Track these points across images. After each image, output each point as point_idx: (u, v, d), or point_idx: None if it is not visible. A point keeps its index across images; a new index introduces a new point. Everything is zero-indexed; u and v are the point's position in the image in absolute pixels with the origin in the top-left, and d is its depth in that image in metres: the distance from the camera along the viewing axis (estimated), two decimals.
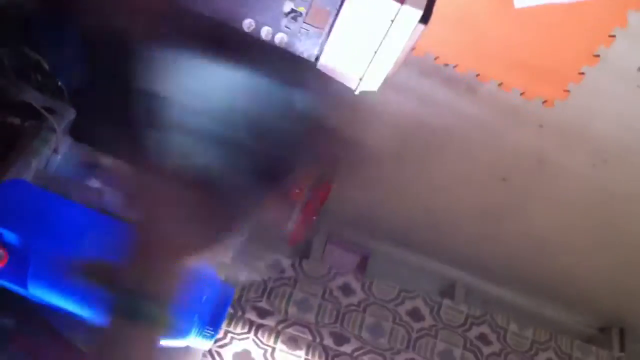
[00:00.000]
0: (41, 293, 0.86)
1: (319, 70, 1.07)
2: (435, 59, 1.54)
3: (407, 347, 2.03)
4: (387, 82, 1.09)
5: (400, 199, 2.21)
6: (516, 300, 2.42)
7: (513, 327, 2.14)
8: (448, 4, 1.21)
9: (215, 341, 1.01)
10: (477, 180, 2.03)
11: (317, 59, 1.05)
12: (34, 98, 1.06)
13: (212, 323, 0.93)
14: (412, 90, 1.72)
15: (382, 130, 1.90)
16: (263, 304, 1.99)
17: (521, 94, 1.58)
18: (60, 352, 0.99)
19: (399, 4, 0.95)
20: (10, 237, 0.84)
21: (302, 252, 2.36)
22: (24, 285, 0.86)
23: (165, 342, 0.93)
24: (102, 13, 1.21)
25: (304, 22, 1.01)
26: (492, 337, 2.11)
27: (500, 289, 2.43)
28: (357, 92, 1.08)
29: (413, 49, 1.18)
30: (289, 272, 2.11)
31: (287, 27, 1.02)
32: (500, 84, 1.57)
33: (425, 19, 1.00)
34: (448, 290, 2.43)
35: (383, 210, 2.29)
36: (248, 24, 1.02)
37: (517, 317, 2.19)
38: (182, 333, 0.91)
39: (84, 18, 1.20)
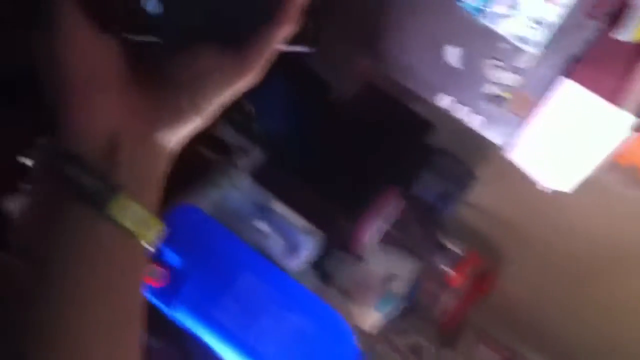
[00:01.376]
0: (188, 321, 0.88)
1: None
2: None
3: None
4: (584, 185, 1.01)
5: (565, 313, 2.05)
6: None
7: None
8: None
9: None
10: None
11: (510, 147, 1.00)
12: (229, 135, 1.10)
13: None
14: (608, 200, 1.60)
15: (564, 235, 1.78)
16: None
17: None
18: None
19: (612, 106, 0.88)
20: (173, 257, 0.87)
21: (449, 341, 2.24)
22: (174, 307, 0.88)
23: None
24: (320, 74, 1.25)
25: (505, 108, 0.97)
26: None
27: None
28: (548, 190, 1.01)
29: (620, 156, 1.09)
30: (428, 357, 2.01)
31: (485, 110, 0.98)
32: None
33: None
34: None
35: (544, 320, 2.13)
36: (445, 100, 1.00)
37: None
38: None
39: (298, 74, 1.25)
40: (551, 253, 1.88)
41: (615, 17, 0.87)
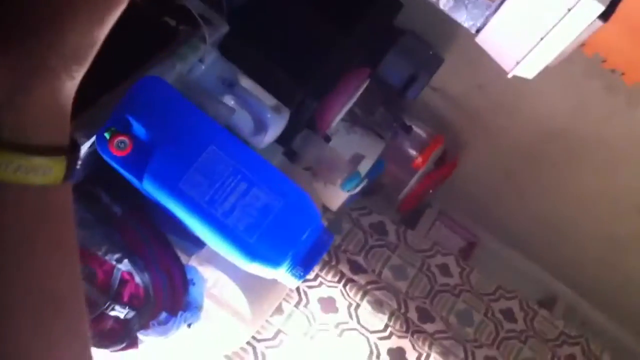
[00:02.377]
0: (154, 191, 0.89)
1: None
2: (603, 61, 1.43)
3: (492, 344, 1.98)
4: (545, 73, 1.03)
5: (524, 199, 2.12)
6: (618, 335, 2.28)
7: (606, 358, 2.03)
8: (635, 8, 1.11)
9: (305, 280, 1.01)
10: (611, 202, 1.90)
11: (478, 31, 1.00)
12: (193, 5, 1.08)
13: (304, 264, 0.93)
14: (569, 88, 1.62)
15: (525, 122, 1.81)
16: (359, 260, 1.99)
17: None
18: (158, 251, 1.03)
19: None
20: (139, 129, 0.87)
21: (410, 221, 2.32)
22: (140, 177, 0.89)
23: (254, 270, 0.94)
24: None
25: None
26: None
27: (605, 319, 2.30)
28: (510, 75, 1.02)
29: (582, 45, 1.10)
30: (392, 237, 2.09)
31: None
32: None
33: (606, 15, 0.92)
34: (547, 303, 2.33)
35: (504, 204, 2.21)
36: None
37: (614, 351, 2.07)
38: (273, 263, 0.92)
39: None
40: (511, 140, 1.93)
41: None
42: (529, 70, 1.01)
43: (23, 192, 0.41)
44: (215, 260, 1.23)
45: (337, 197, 1.69)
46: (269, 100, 1.19)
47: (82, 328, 0.47)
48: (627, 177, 1.80)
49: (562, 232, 2.14)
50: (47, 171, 0.42)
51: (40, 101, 0.41)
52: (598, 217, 1.98)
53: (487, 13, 0.98)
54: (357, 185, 1.53)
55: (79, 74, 0.43)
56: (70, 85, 0.42)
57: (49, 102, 0.42)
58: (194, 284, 1.12)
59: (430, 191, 2.13)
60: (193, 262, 1.16)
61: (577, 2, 0.89)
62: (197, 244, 1.09)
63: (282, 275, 0.94)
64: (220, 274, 1.25)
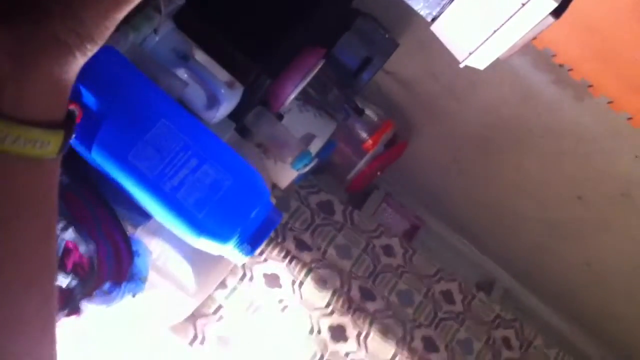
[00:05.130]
0: (102, 162, 0.88)
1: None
2: (553, 56, 1.47)
3: (430, 324, 2.03)
4: (497, 64, 1.05)
5: (470, 185, 2.17)
6: (551, 320, 2.37)
7: (539, 341, 2.11)
8: (585, 8, 1.14)
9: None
10: (553, 189, 1.97)
11: (433, 19, 1.01)
12: None
13: (252, 241, 0.94)
14: (518, 80, 1.66)
15: (475, 110, 1.85)
16: (305, 238, 2.01)
17: (628, 118, 1.50)
18: (104, 221, 1.02)
19: None
20: (89, 97, 0.86)
21: (357, 202, 2.35)
22: (88, 147, 0.88)
23: (201, 246, 0.95)
24: None
25: None
26: (515, 343, 2.09)
27: (539, 303, 2.38)
28: (462, 65, 1.04)
29: (534, 39, 1.12)
30: (338, 217, 2.11)
31: None
32: (610, 102, 1.49)
33: (558, 12, 0.95)
34: (485, 286, 2.40)
35: (449, 189, 2.26)
36: None
37: (546, 335, 2.15)
38: (221, 239, 0.92)
39: None
40: (460, 127, 1.96)
41: None
42: (480, 61, 1.03)
43: (17, 163, 0.42)
44: (162, 233, 1.23)
45: (286, 175, 1.69)
46: (223, 75, 1.18)
47: (52, 305, 0.47)
48: (570, 168, 1.85)
49: (504, 218, 2.20)
50: (45, 144, 0.42)
51: (46, 75, 0.41)
52: (539, 204, 2.04)
53: (444, 2, 0.99)
54: (307, 165, 1.54)
55: (92, 52, 0.43)
56: (82, 61, 0.43)
57: (56, 77, 0.42)
58: (139, 255, 1.12)
59: (379, 173, 2.16)
60: (139, 234, 1.16)
61: None
62: (144, 215, 1.08)
63: (230, 251, 0.95)
64: (166, 246, 1.25)
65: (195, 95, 1.15)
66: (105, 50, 0.90)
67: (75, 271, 1.03)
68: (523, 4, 0.93)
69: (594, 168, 1.79)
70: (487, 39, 0.99)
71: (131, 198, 0.96)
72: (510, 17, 0.95)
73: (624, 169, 1.73)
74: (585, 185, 1.90)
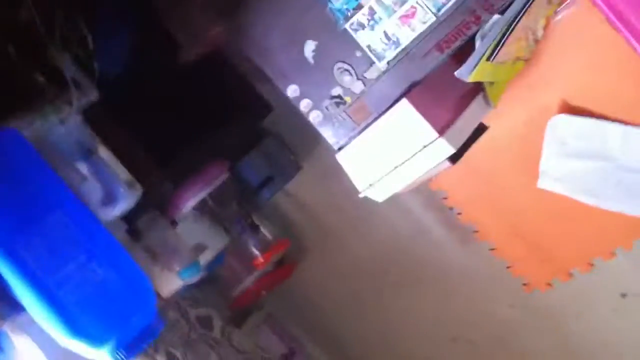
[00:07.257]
0: None
1: None
2: (444, 198, 1.55)
3: None
4: (394, 199, 1.09)
5: (356, 315, 2.18)
6: None
7: None
8: (480, 156, 1.22)
9: None
10: (430, 329, 2.00)
11: (340, 149, 1.06)
12: (67, 67, 1.06)
13: (129, 348, 0.90)
14: (412, 217, 1.73)
15: (370, 242, 1.88)
16: (177, 354, 1.93)
17: (507, 267, 1.58)
18: None
19: (437, 135, 0.96)
20: None
21: (238, 319, 2.30)
22: None
23: (73, 347, 0.89)
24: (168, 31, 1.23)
25: (344, 112, 1.02)
26: None
27: None
28: (361, 195, 1.08)
29: (429, 180, 1.19)
30: (216, 333, 2.06)
31: (327, 109, 1.03)
32: (492, 249, 1.57)
33: (454, 158, 1.02)
34: None
35: (334, 318, 2.25)
36: (293, 90, 1.04)
37: None
38: (96, 343, 0.88)
39: (148, 25, 1.22)
40: (351, 255, 1.99)
41: (460, 56, 0.96)
42: (379, 194, 1.08)
43: None
44: (31, 329, 1.15)
45: (171, 284, 1.64)
46: (124, 174, 1.16)
47: None
48: (451, 306, 1.90)
49: (384, 354, 2.20)
50: None
51: None
52: (417, 340, 2.06)
53: (351, 134, 1.04)
54: (194, 275, 1.51)
55: None
56: None
57: None
58: (2, 350, 1.04)
59: (264, 292, 2.14)
60: (6, 327, 1.08)
61: (432, 141, 0.98)
62: (15, 308, 1.02)
63: (102, 356, 0.90)
64: (33, 345, 1.17)
65: (93, 190, 1.13)
66: (8, 132, 0.88)
67: None
68: (424, 146, 0.98)
69: (474, 311, 1.85)
70: (387, 174, 1.04)
71: (6, 287, 0.90)
72: (412, 156, 1.00)
73: (499, 316, 1.79)
74: (462, 328, 1.94)
